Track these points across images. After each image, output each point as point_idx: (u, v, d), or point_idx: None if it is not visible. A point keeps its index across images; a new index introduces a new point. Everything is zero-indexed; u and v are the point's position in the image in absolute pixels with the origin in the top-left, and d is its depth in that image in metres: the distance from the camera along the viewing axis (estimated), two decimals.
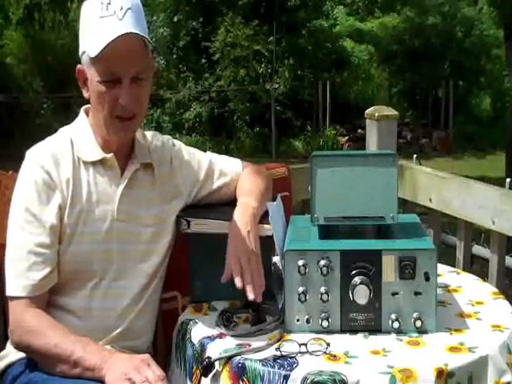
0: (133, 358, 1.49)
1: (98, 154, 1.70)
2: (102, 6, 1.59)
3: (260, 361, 1.41)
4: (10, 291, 1.62)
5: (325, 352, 1.43)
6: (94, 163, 1.69)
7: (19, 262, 1.61)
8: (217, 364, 1.44)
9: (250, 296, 1.56)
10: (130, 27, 1.58)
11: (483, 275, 2.27)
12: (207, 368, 1.44)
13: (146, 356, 1.49)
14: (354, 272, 1.51)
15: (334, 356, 1.42)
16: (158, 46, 14.22)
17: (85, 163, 1.69)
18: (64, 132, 1.75)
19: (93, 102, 1.67)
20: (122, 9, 1.59)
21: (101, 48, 1.56)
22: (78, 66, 1.66)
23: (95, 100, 1.65)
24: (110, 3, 1.59)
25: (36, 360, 1.61)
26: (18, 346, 1.63)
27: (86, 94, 1.68)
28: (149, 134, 1.84)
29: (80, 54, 1.66)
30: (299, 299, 1.52)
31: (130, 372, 1.43)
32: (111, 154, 1.70)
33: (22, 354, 1.66)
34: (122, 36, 1.55)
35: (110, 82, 1.60)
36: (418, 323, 1.51)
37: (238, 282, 1.57)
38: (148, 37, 1.62)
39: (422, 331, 1.51)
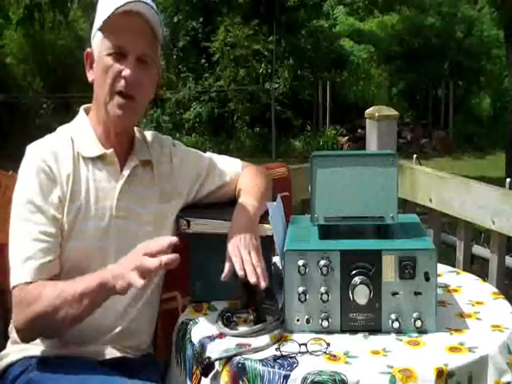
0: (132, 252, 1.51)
1: (97, 149, 1.70)
2: None
3: (260, 361, 1.41)
4: (14, 280, 1.57)
5: (325, 352, 1.43)
6: (93, 159, 1.70)
7: (24, 249, 1.58)
8: (217, 364, 1.44)
9: (252, 279, 1.53)
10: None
11: (483, 275, 2.27)
12: (207, 368, 1.44)
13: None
14: (353, 272, 1.51)
15: (334, 356, 1.42)
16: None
17: (84, 159, 1.69)
18: (63, 130, 1.75)
19: (97, 79, 1.68)
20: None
21: (111, 11, 1.59)
22: (87, 49, 1.71)
23: (100, 75, 1.66)
24: None
25: (45, 332, 1.58)
26: (24, 326, 1.55)
27: (90, 78, 1.71)
28: (148, 133, 1.84)
29: (92, 36, 1.69)
30: (299, 299, 1.52)
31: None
32: (111, 150, 1.70)
33: (22, 354, 1.65)
34: (132, 3, 1.60)
35: (117, 55, 1.64)
36: (418, 323, 1.51)
37: (239, 270, 1.55)
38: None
39: (421, 331, 1.51)
